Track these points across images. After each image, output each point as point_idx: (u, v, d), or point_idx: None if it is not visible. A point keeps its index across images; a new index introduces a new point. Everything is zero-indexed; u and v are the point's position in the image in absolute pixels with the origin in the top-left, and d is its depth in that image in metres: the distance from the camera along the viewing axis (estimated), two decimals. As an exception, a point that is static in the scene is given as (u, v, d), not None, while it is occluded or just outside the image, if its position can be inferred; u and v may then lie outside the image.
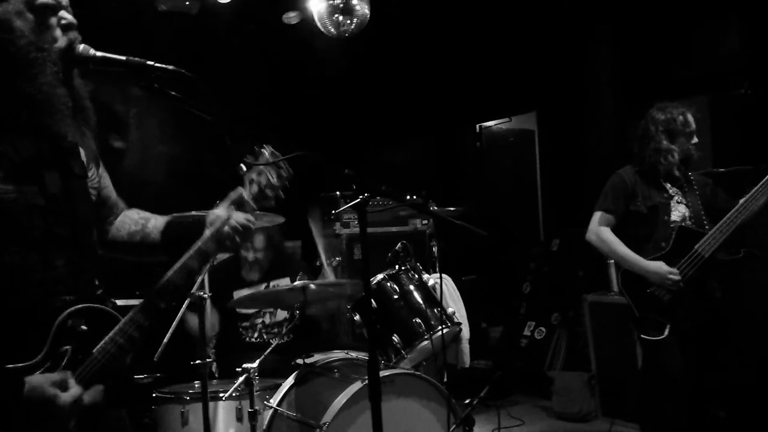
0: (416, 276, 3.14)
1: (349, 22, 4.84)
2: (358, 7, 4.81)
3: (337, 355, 3.09)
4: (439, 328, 2.96)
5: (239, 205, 1.72)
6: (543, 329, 5.69)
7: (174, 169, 5.53)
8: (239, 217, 1.70)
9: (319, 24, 4.89)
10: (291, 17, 5.50)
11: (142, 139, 5.53)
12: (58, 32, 1.59)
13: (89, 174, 1.69)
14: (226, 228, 1.69)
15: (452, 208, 4.90)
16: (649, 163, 3.25)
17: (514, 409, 5.14)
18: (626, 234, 3.24)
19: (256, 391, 2.86)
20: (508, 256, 6.77)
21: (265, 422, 2.83)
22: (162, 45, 5.01)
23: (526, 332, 5.81)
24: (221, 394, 2.96)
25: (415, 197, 4.37)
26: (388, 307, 3.04)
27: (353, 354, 3.09)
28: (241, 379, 2.88)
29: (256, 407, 2.83)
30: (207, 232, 1.68)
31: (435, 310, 3.03)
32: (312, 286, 2.96)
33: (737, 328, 3.62)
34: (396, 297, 3.05)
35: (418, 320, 2.98)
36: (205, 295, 2.85)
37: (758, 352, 3.74)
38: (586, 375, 4.80)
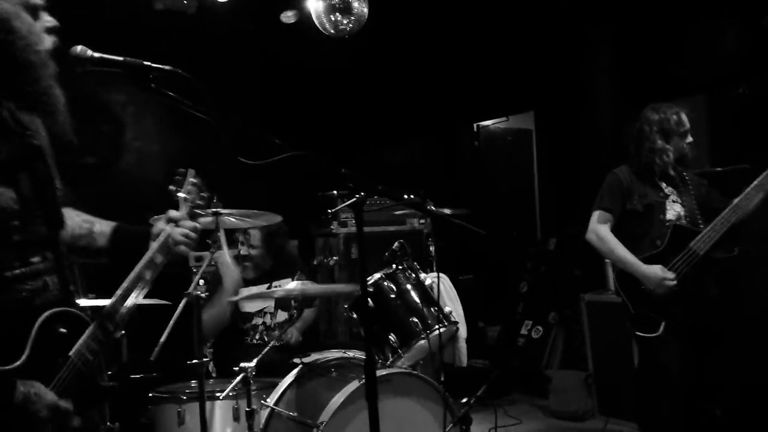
0: (413, 275, 3.13)
1: (346, 21, 4.84)
2: (356, 7, 4.80)
3: (335, 354, 3.09)
4: (436, 327, 2.95)
5: (175, 221, 1.83)
6: (540, 328, 5.70)
7: (171, 168, 5.50)
8: (182, 228, 1.80)
9: (316, 23, 4.88)
10: (289, 16, 5.49)
11: (138, 137, 5.52)
12: (43, 34, 1.60)
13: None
14: (170, 240, 1.78)
15: (448, 211, 4.89)
16: (645, 163, 3.26)
17: (511, 408, 5.15)
18: (622, 232, 3.26)
19: (253, 391, 2.85)
20: (505, 256, 6.77)
21: (262, 422, 2.82)
22: (159, 44, 5.00)
23: (523, 331, 5.82)
24: (218, 394, 2.95)
25: (412, 196, 4.36)
26: (385, 307, 3.02)
27: (350, 353, 3.09)
28: (238, 378, 2.88)
29: (253, 406, 2.82)
30: (154, 244, 1.76)
31: (432, 310, 3.02)
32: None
33: (733, 326, 3.63)
34: (393, 296, 3.04)
35: (415, 319, 2.98)
36: (203, 295, 2.85)
37: (754, 349, 3.75)
38: (583, 374, 4.81)
